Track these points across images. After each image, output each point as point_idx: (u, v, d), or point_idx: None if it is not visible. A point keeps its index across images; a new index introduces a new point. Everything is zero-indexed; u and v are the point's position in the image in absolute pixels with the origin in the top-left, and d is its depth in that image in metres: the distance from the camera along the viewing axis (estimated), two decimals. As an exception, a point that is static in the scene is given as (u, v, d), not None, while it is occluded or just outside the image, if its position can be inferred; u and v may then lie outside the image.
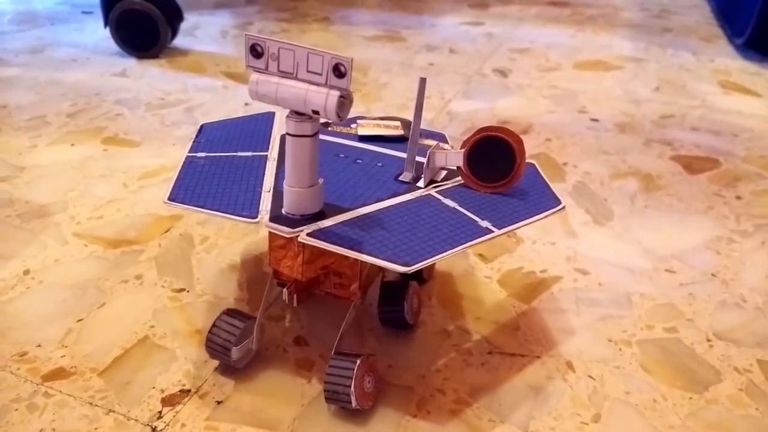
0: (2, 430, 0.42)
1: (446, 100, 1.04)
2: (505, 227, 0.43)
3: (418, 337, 0.51)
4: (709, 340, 0.52)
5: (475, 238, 0.41)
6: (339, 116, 0.38)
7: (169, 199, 0.46)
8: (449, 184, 0.49)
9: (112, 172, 0.76)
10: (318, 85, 0.38)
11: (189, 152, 0.54)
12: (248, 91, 0.40)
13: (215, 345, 0.46)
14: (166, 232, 0.64)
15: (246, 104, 0.98)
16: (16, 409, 0.43)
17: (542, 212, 0.46)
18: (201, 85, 1.05)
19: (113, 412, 0.44)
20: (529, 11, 1.66)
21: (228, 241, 0.63)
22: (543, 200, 0.47)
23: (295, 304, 0.47)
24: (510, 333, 0.52)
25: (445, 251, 0.40)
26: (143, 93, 1.00)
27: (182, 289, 0.56)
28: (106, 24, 1.17)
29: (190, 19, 1.41)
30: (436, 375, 0.48)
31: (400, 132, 0.57)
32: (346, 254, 0.40)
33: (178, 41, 1.29)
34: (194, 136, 0.57)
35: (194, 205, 0.46)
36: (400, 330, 0.52)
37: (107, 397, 0.45)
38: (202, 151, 0.55)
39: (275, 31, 1.42)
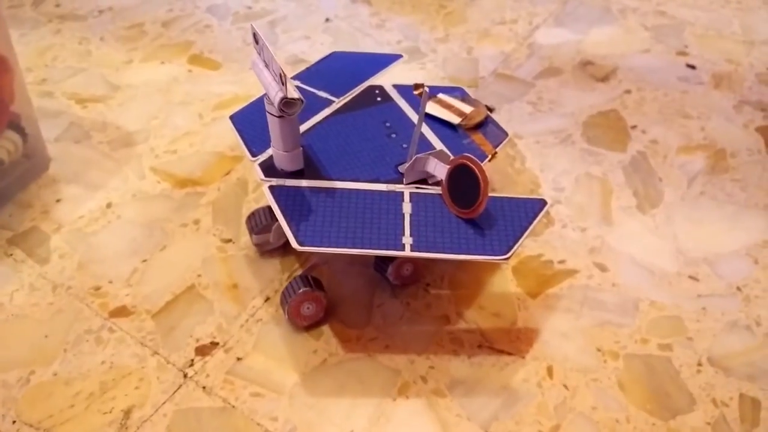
0: (74, 357, 0.54)
1: (533, 26, 0.98)
2: (420, 252, 0.47)
3: (420, 320, 0.57)
4: (699, 365, 0.54)
5: (381, 249, 0.47)
6: (285, 112, 0.46)
7: (231, 116, 0.57)
8: (430, 189, 0.52)
9: (192, 99, 0.83)
10: (276, 83, 0.46)
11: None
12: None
13: (248, 226, 0.61)
14: (227, 174, 0.72)
15: (327, 20, 0.99)
16: (87, 341, 0.56)
17: (478, 254, 0.48)
18: (289, -10, 1.06)
19: (157, 354, 0.55)
20: None
21: (277, 190, 0.70)
22: (497, 242, 0.49)
23: None
24: (505, 328, 0.57)
25: (339, 248, 0.46)
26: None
27: (229, 240, 0.64)
28: None
29: None
30: (425, 362, 0.54)
31: (457, 120, 0.58)
32: (275, 212, 0.48)
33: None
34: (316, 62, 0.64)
35: (236, 128, 0.55)
36: (404, 290, 0.58)
37: (155, 339, 0.56)
38: (297, 80, 0.61)
39: None
